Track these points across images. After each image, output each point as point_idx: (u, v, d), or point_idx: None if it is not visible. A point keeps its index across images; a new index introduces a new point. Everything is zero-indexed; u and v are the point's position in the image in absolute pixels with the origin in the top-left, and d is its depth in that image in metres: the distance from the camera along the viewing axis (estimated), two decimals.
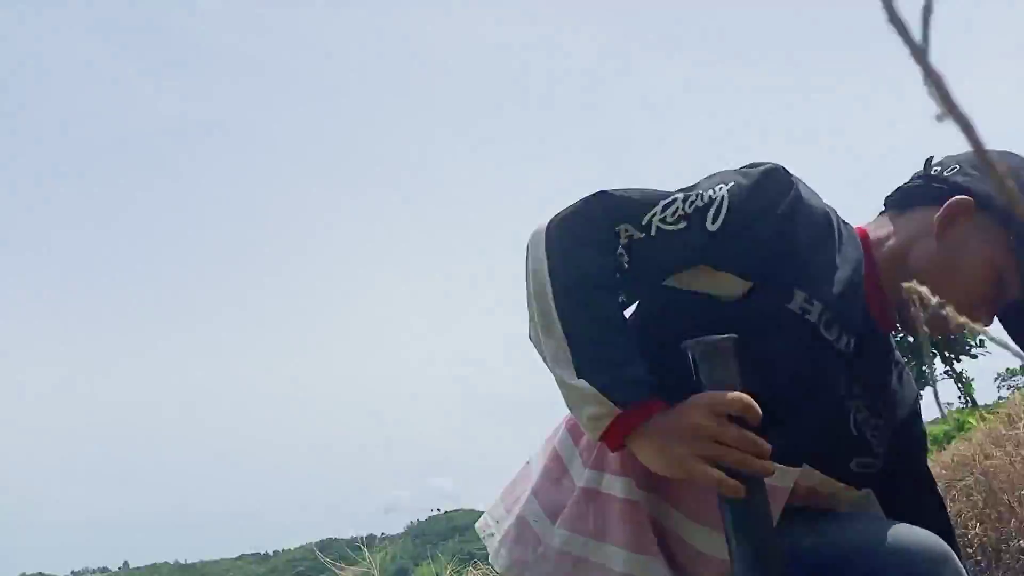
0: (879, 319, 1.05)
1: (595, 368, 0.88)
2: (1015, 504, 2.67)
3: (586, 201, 0.94)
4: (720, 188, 0.95)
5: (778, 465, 0.89)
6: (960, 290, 0.98)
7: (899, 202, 1.08)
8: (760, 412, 0.82)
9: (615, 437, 0.89)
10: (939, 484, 1.24)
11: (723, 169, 1.00)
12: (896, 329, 1.10)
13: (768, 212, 0.95)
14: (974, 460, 3.10)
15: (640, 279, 0.97)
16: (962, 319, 0.54)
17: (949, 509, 1.26)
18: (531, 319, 0.95)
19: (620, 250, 0.93)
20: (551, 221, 0.95)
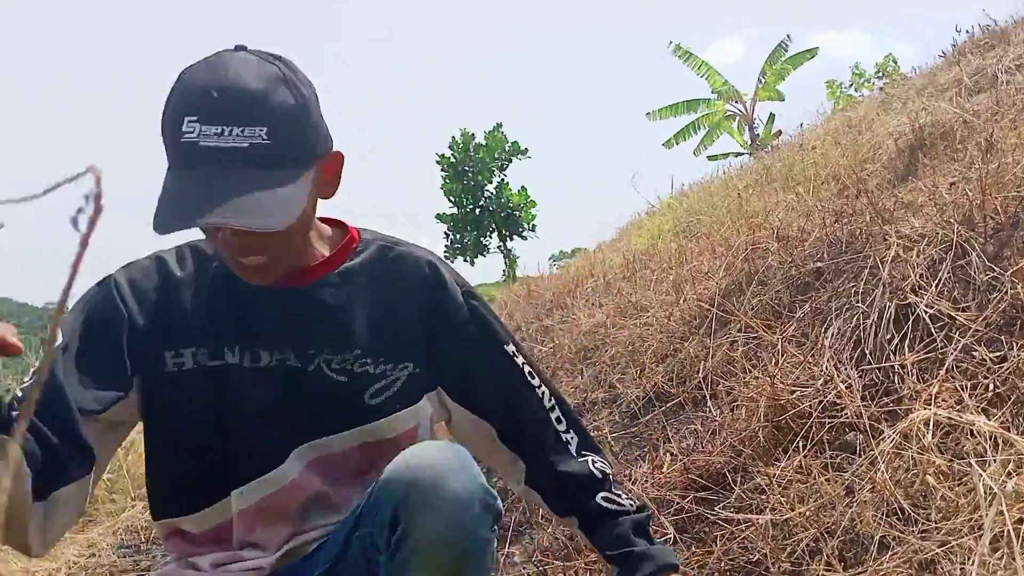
0: (283, 280, 1.03)
1: None
2: None
3: None
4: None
5: (270, 474, 1.01)
6: None
7: None
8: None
9: None
10: None
11: None
12: (305, 278, 1.06)
13: (94, 328, 0.99)
14: None
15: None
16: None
17: None
18: None
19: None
20: None
